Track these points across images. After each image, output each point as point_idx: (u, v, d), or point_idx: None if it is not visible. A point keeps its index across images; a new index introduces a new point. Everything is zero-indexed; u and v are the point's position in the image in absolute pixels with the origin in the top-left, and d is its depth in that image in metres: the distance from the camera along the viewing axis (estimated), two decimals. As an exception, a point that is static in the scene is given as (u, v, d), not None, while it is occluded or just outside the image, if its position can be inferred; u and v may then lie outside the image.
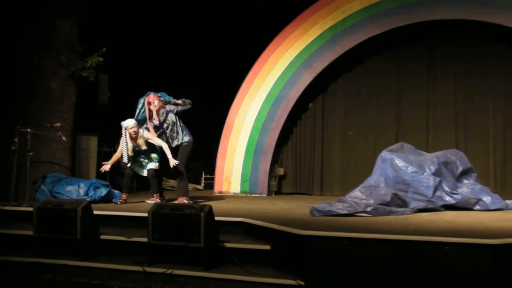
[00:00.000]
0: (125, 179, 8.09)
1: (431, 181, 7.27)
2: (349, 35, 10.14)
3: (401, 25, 9.89)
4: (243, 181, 10.46)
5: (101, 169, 7.94)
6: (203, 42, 11.88)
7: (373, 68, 10.58)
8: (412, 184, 7.22)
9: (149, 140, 7.81)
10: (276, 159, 10.73)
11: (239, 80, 10.66)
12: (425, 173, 7.35)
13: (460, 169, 7.68)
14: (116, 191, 8.33)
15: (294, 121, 10.82)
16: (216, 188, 10.64)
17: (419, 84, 10.31)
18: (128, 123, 7.75)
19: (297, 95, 10.40)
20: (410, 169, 7.34)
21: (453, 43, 10.12)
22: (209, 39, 11.88)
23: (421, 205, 7.09)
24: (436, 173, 7.40)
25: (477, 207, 7.36)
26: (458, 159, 7.80)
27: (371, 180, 7.32)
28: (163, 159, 7.91)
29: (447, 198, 7.33)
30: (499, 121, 9.88)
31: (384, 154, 7.57)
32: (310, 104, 10.82)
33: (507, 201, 7.62)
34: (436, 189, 7.28)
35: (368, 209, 6.56)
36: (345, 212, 6.47)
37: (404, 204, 6.96)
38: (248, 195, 10.36)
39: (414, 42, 10.32)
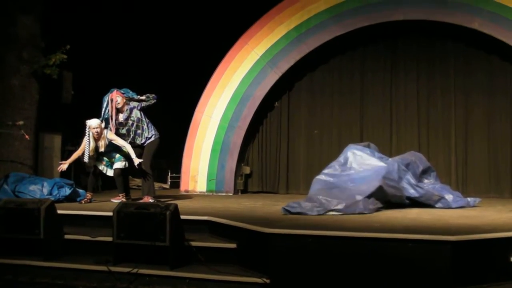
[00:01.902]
0: (90, 178, 8.02)
1: (395, 165, 7.40)
2: (314, 35, 10.21)
3: (365, 25, 10.00)
4: (209, 180, 10.44)
5: (58, 168, 7.86)
6: (169, 40, 11.81)
7: (338, 67, 10.67)
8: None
9: (112, 142, 7.74)
10: (242, 158, 10.74)
11: (205, 79, 10.63)
12: (390, 159, 7.50)
13: (421, 168, 7.80)
14: (81, 190, 8.24)
15: (260, 120, 10.84)
16: (182, 187, 10.61)
17: (382, 83, 10.45)
18: (92, 123, 7.67)
19: (263, 94, 10.42)
20: (376, 154, 7.48)
21: (416, 42, 10.28)
22: (175, 37, 11.82)
23: (392, 191, 7.21)
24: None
25: (439, 204, 7.47)
26: (417, 159, 7.92)
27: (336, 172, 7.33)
28: (128, 159, 7.85)
29: (412, 190, 7.43)
30: (460, 117, 10.06)
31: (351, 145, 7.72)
32: (276, 103, 10.86)
33: (468, 199, 7.77)
34: (401, 178, 7.40)
35: (339, 206, 6.59)
36: (315, 213, 6.49)
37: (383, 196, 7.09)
38: (214, 194, 10.35)
39: (378, 41, 10.44)
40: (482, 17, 9.41)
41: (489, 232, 5.07)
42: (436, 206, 7.47)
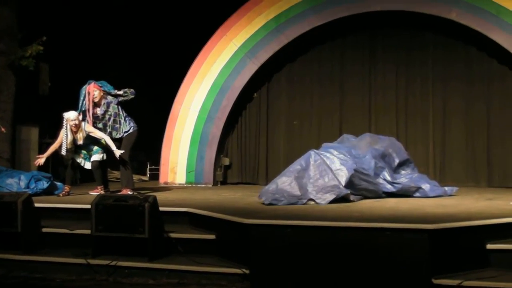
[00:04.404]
0: (68, 171, 7.96)
1: (372, 163, 7.43)
2: (293, 25, 10.18)
3: (344, 15, 10.00)
4: (188, 171, 10.41)
5: (35, 162, 7.79)
6: (148, 31, 11.72)
7: (317, 57, 10.65)
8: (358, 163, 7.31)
9: (90, 134, 7.66)
10: (221, 149, 10.71)
11: (185, 70, 10.58)
12: (367, 156, 7.51)
13: (397, 161, 7.79)
14: (59, 183, 8.18)
15: (239, 111, 10.82)
16: (162, 179, 10.56)
17: (361, 72, 10.44)
18: (70, 115, 7.58)
19: (242, 85, 10.39)
20: (354, 151, 7.49)
21: (395, 33, 10.25)
22: (154, 28, 11.73)
23: (365, 185, 7.20)
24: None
25: (417, 194, 7.52)
26: (395, 151, 7.89)
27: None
28: (106, 151, 7.80)
29: (388, 186, 7.47)
30: (438, 106, 10.09)
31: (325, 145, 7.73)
32: (255, 93, 10.84)
33: (446, 188, 7.83)
34: (377, 174, 7.43)
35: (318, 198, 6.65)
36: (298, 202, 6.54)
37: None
38: (194, 185, 10.33)
39: (357, 31, 10.41)
40: (460, 7, 9.45)
41: (466, 220, 5.14)
42: (414, 195, 7.53)
